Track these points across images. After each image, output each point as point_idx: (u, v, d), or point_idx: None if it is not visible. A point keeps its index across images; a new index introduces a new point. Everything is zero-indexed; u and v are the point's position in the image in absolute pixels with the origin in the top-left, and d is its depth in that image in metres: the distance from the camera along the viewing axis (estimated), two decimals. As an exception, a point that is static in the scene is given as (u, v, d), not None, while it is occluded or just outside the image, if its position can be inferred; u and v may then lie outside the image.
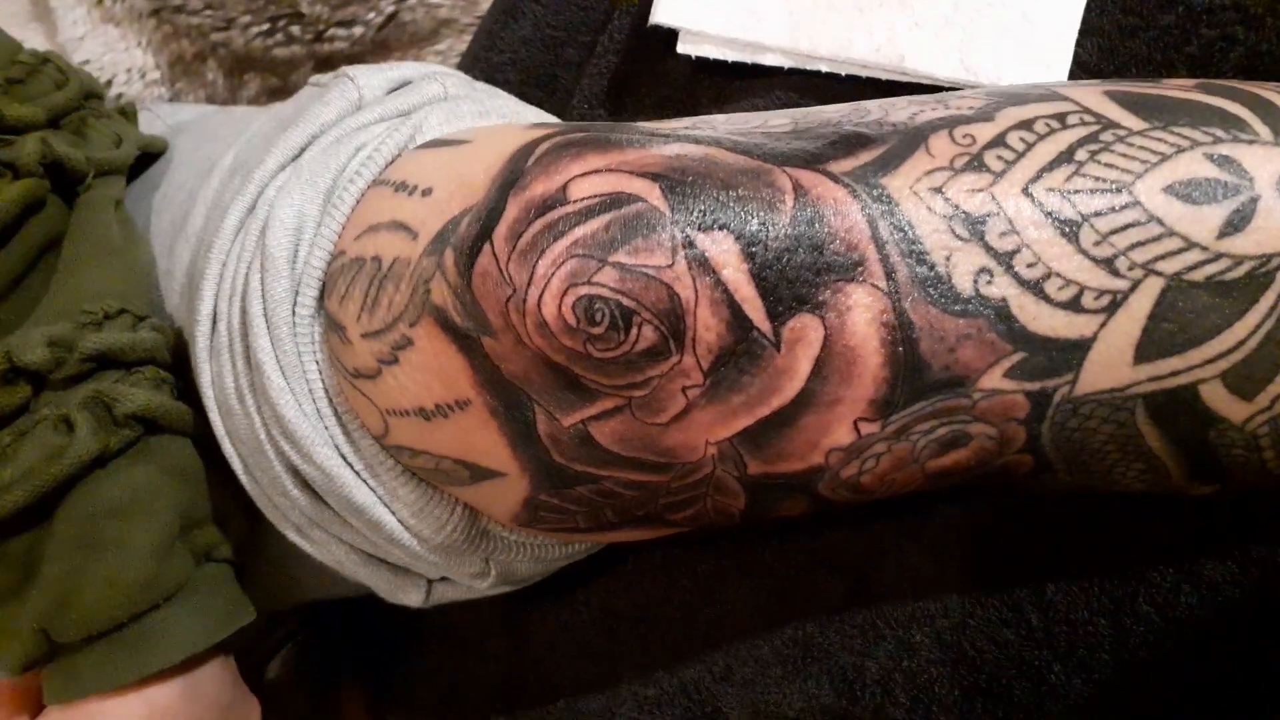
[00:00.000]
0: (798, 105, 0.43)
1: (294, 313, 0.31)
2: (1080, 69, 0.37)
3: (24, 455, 0.32)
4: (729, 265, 0.25)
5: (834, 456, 0.27)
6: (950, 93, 0.29)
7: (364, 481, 0.33)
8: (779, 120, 0.28)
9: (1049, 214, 0.25)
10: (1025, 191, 0.25)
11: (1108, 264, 0.25)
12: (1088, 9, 0.37)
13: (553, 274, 0.25)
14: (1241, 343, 0.26)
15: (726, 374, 0.26)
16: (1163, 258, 0.25)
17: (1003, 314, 0.25)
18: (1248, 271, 0.25)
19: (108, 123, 0.42)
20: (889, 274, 0.25)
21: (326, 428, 0.32)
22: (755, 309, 0.25)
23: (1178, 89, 0.28)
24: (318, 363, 0.32)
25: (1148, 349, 0.26)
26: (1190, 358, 0.26)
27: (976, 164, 0.26)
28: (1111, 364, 0.26)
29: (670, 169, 0.25)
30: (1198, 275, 0.25)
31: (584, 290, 0.25)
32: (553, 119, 0.38)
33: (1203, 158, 0.25)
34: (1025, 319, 0.25)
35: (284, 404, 0.31)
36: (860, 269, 0.25)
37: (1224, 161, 0.25)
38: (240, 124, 0.42)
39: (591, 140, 0.27)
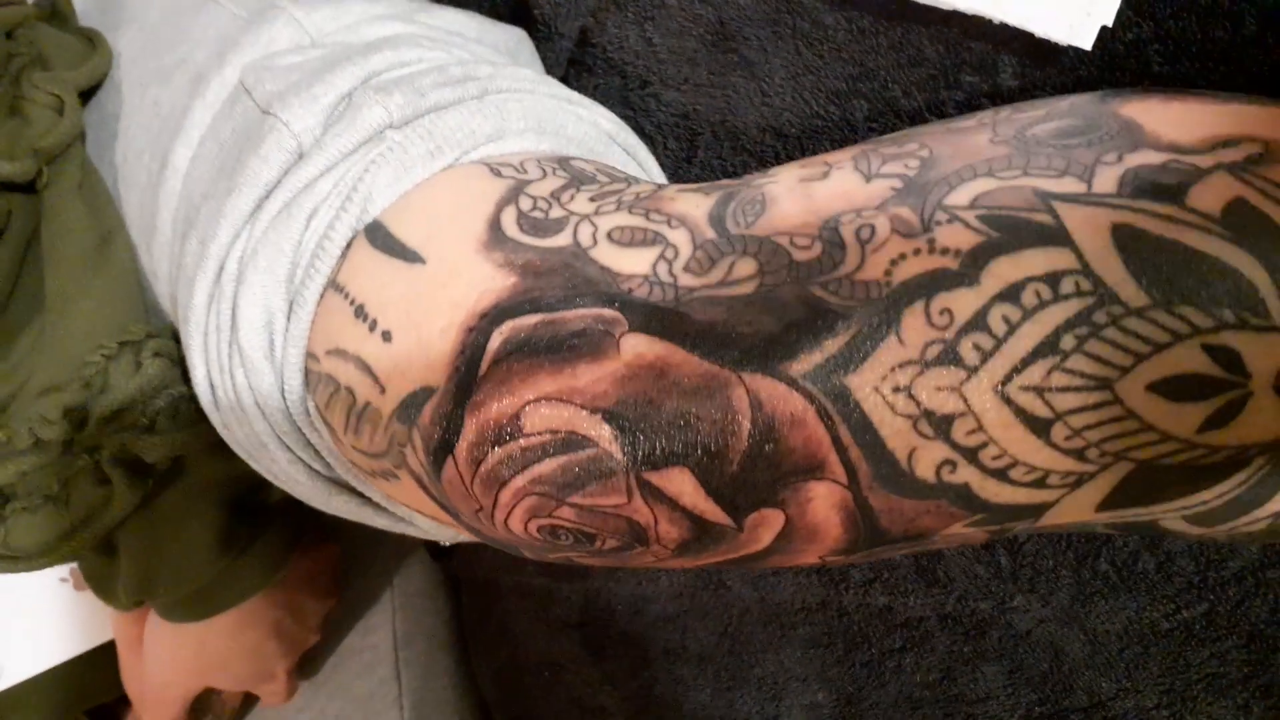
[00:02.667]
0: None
1: (284, 398, 0.32)
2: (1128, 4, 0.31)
3: (77, 502, 0.36)
4: (685, 494, 0.25)
5: (804, 566, 0.29)
6: (942, 201, 0.26)
7: (384, 510, 0.35)
8: (744, 269, 0.26)
9: (1020, 412, 0.24)
10: (998, 391, 0.24)
11: (1077, 454, 0.25)
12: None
13: (515, 505, 0.25)
14: (1205, 503, 0.26)
15: (691, 546, 0.27)
16: (1137, 448, 0.24)
17: (963, 494, 0.26)
18: (1224, 458, 0.24)
19: (44, 80, 0.38)
20: (850, 473, 0.25)
21: (341, 475, 0.34)
22: (715, 515, 0.25)
23: (1201, 222, 0.24)
24: (319, 430, 0.33)
25: (1110, 505, 0.26)
26: (1153, 510, 0.26)
27: (950, 356, 0.24)
28: (1073, 513, 0.27)
29: (621, 401, 0.24)
30: (1170, 460, 0.25)
31: (545, 522, 0.25)
32: (510, 89, 0.34)
33: (1199, 350, 0.23)
34: (987, 496, 0.26)
35: (295, 473, 0.33)
36: (820, 470, 0.25)
37: (1221, 354, 0.23)
38: (181, 56, 0.38)
39: (543, 342, 0.25)
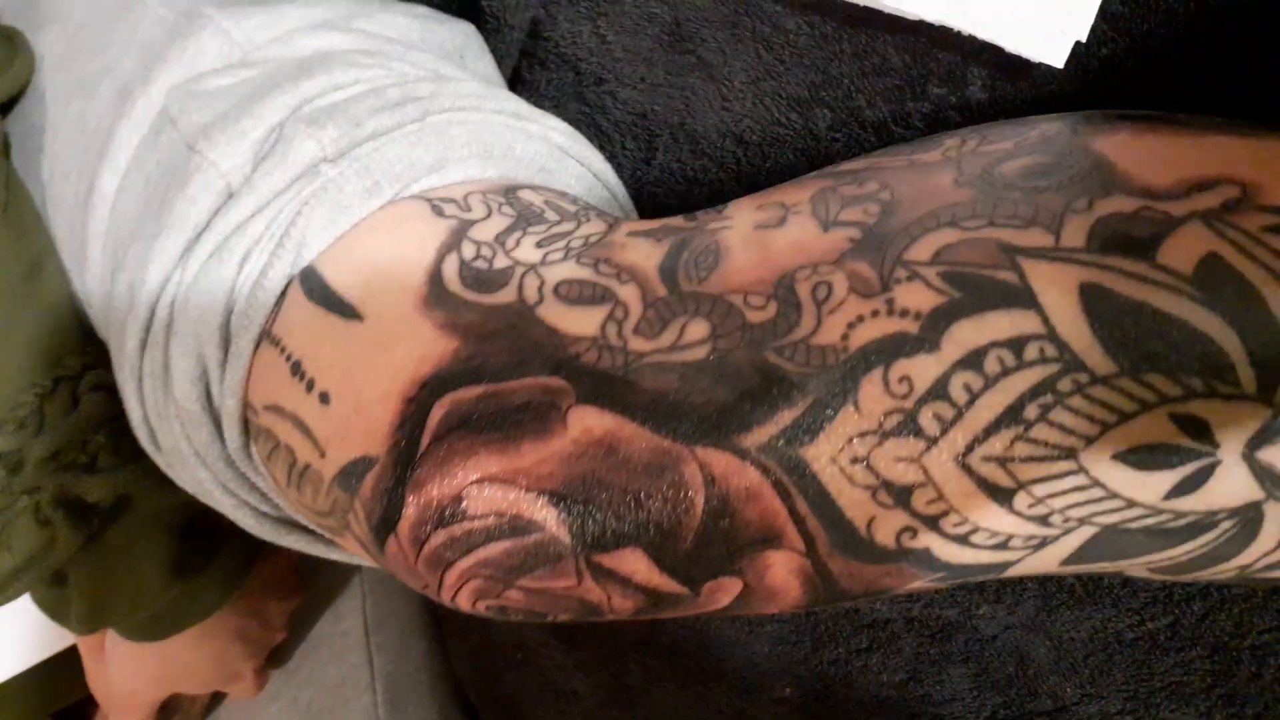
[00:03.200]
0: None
1: (224, 446, 0.31)
2: (1104, 19, 0.29)
3: (18, 545, 0.35)
4: (638, 572, 0.24)
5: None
6: (902, 255, 0.24)
7: (337, 545, 0.35)
8: (697, 332, 0.25)
9: (983, 482, 0.23)
10: (959, 462, 0.23)
11: (1041, 520, 0.24)
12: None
13: (461, 586, 0.24)
14: (1172, 558, 0.25)
15: (647, 611, 0.26)
16: (1101, 514, 0.24)
17: (924, 558, 0.25)
18: (1189, 523, 0.24)
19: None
20: (808, 542, 0.24)
21: (291, 515, 0.33)
22: (669, 587, 0.25)
23: (1171, 281, 0.23)
24: (263, 475, 0.32)
25: (1074, 561, 0.26)
26: (1119, 564, 0.26)
27: (909, 426, 0.23)
28: (1036, 567, 0.26)
29: (568, 481, 0.23)
30: (1135, 525, 0.24)
31: (494, 603, 0.25)
32: (454, 108, 0.32)
33: (1166, 419, 0.23)
34: (948, 558, 0.25)
35: (241, 518, 0.32)
36: (778, 540, 0.24)
37: (1189, 423, 0.22)
38: (107, 64, 0.36)
39: (485, 418, 0.24)
